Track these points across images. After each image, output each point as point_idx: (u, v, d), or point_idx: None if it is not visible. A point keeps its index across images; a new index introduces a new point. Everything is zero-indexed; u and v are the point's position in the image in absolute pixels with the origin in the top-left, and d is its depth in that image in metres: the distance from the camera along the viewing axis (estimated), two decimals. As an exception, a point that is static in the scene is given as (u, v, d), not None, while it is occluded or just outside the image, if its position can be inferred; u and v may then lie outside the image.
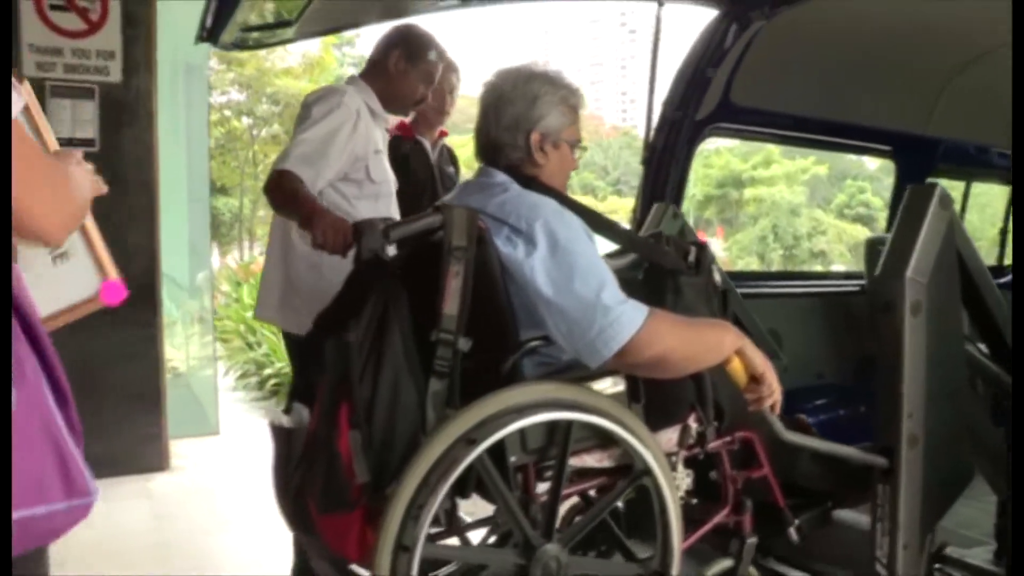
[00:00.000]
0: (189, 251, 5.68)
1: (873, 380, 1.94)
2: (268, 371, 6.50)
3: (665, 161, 2.97)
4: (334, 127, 2.25)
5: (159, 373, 4.18)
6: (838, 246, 26.67)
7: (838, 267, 24.22)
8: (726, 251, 25.81)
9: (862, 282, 3.03)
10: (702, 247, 1.89)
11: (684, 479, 1.69)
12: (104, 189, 1.24)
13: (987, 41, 3.25)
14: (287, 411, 1.60)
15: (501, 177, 1.69)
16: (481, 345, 1.51)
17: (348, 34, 20.38)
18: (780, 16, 2.86)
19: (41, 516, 0.91)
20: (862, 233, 25.58)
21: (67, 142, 3.80)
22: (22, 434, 0.89)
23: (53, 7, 3.82)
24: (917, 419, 1.78)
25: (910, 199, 1.88)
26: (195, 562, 3.09)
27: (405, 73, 2.44)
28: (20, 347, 0.92)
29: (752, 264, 25.37)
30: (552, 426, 1.52)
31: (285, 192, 2.14)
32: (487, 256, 1.53)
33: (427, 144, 3.26)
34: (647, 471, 1.56)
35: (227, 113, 18.93)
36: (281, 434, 1.57)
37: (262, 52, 18.91)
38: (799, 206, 28.42)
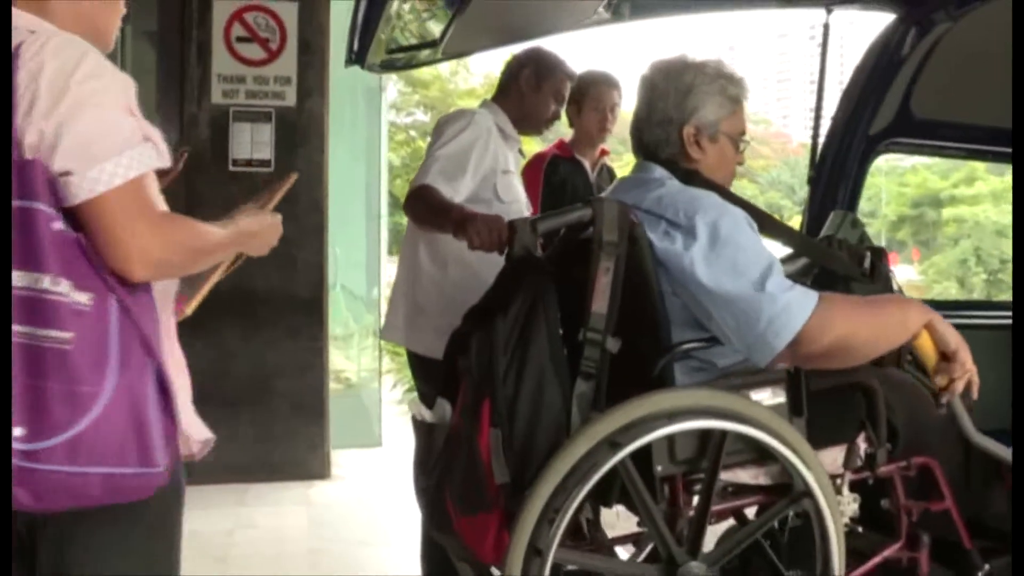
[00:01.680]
0: (366, 267, 5.91)
1: None
2: (433, 386, 6.61)
3: (833, 180, 2.76)
4: (467, 144, 2.28)
5: (324, 384, 4.34)
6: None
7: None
8: (921, 275, 24.12)
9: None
10: (878, 251, 1.78)
11: (850, 504, 1.55)
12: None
13: None
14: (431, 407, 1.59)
15: (659, 172, 1.63)
16: (631, 346, 1.46)
17: (528, 55, 20.77)
18: (967, 17, 2.59)
19: (117, 475, 1.07)
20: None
21: (246, 163, 4.06)
22: (115, 408, 1.06)
23: (239, 39, 4.10)
24: None
25: None
26: (347, 570, 3.16)
27: (535, 91, 2.47)
28: (131, 340, 1.09)
29: (951, 290, 23.53)
30: (705, 436, 1.44)
31: (430, 204, 2.16)
32: (640, 252, 1.47)
33: (587, 164, 3.21)
34: (807, 492, 1.44)
35: (412, 134, 19.72)
36: (423, 429, 1.55)
37: (446, 75, 19.62)
38: (1006, 227, 26.11)
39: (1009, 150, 3.20)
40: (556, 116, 2.55)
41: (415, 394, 5.56)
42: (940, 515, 1.64)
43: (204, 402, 1.41)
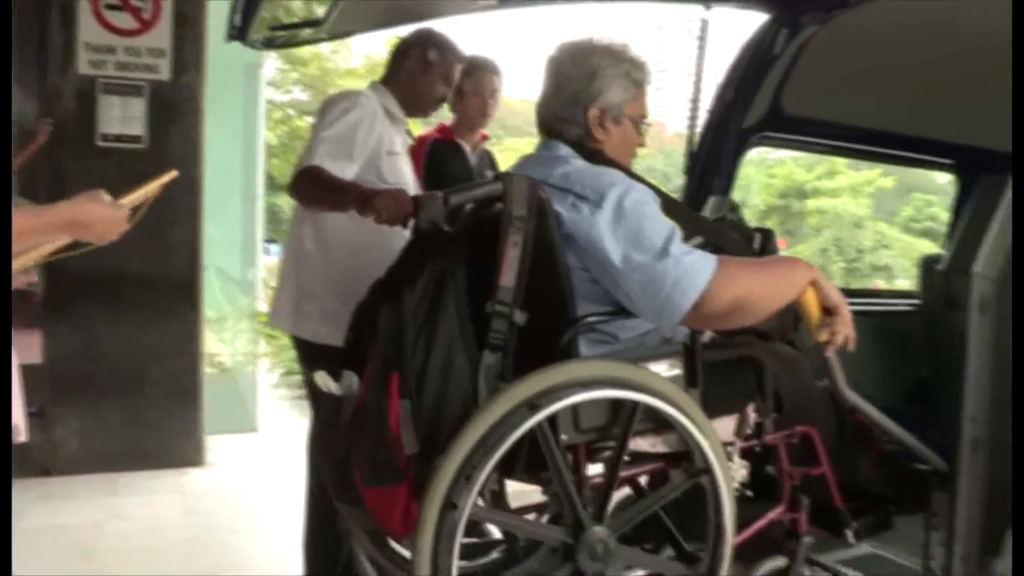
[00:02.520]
0: (241, 248, 5.75)
1: (926, 405, 1.82)
2: (313, 370, 6.50)
3: (709, 170, 2.86)
4: (352, 125, 2.25)
5: (198, 368, 4.21)
6: (903, 260, 25.92)
7: (902, 282, 23.55)
8: (787, 263, 25.21)
9: (918, 302, 2.88)
10: (768, 232, 1.84)
11: (740, 470, 1.62)
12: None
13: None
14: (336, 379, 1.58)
15: (564, 150, 1.66)
16: (537, 319, 1.48)
17: (411, 36, 20.51)
18: (834, 21, 2.73)
19: None
20: (929, 248, 24.86)
21: (115, 138, 3.86)
22: None
23: (109, 7, 3.90)
24: (980, 423, 1.66)
25: (983, 191, 1.77)
26: (223, 560, 3.09)
27: (424, 73, 2.45)
28: None
29: (813, 277, 24.80)
30: (606, 406, 1.48)
31: (324, 183, 2.13)
32: (547, 227, 1.49)
33: (467, 148, 3.22)
34: (704, 460, 1.50)
35: (290, 112, 19.20)
36: (330, 401, 1.54)
37: (325, 53, 19.15)
38: (863, 219, 27.72)
39: (868, 148, 3.43)
40: (444, 99, 2.54)
41: (296, 377, 5.43)
42: (818, 479, 1.74)
43: (72, 389, 1.36)
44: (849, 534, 1.74)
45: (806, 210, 28.80)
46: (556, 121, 1.69)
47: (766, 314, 1.53)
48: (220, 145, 4.67)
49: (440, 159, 3.03)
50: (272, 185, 12.47)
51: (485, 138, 3.30)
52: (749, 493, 1.66)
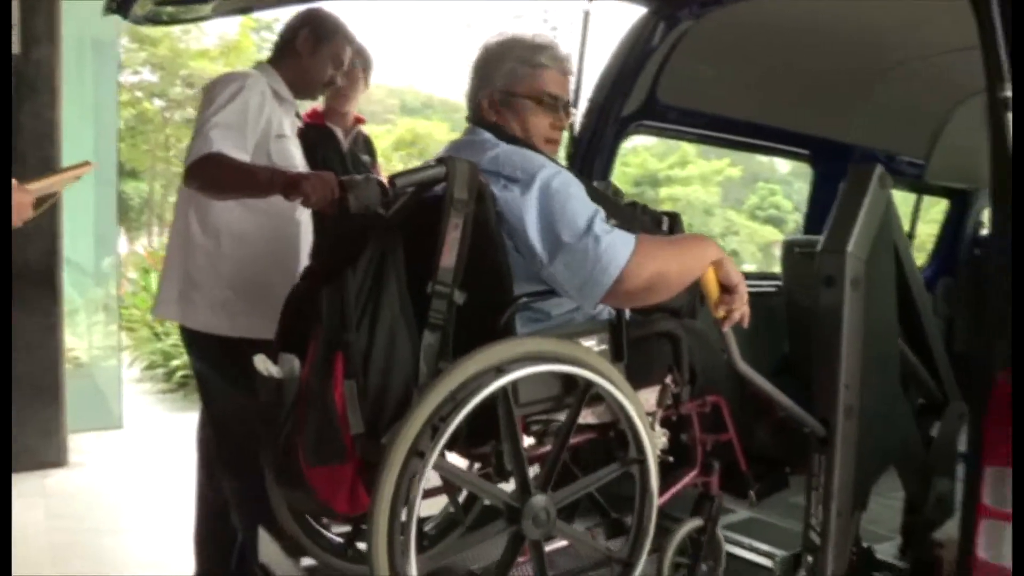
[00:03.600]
0: (95, 236, 5.45)
1: (789, 382, 1.95)
2: (176, 362, 6.29)
3: (590, 155, 2.95)
4: (242, 107, 2.19)
5: (58, 364, 3.98)
6: (750, 246, 27.33)
7: (749, 267, 24.83)
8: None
9: (778, 283, 3.07)
10: (675, 216, 1.91)
11: (661, 438, 1.69)
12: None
13: (903, 53, 3.35)
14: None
15: (487, 135, 1.72)
16: (475, 299, 1.51)
17: (267, 18, 19.82)
18: (707, 17, 2.87)
19: None
20: (772, 234, 26.27)
21: (-40, 116, 3.58)
22: None
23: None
24: (853, 390, 1.80)
25: (851, 178, 1.91)
26: (95, 564, 2.96)
27: (313, 55, 2.39)
28: None
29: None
30: (545, 381, 1.53)
31: (235, 169, 2.08)
32: (486, 210, 1.53)
33: (339, 132, 3.19)
34: (632, 429, 1.57)
35: (139, 94, 18.21)
36: (271, 384, 1.53)
37: (176, 32, 18.28)
38: (713, 206, 29.03)
39: (735, 137, 3.62)
40: (333, 81, 2.47)
41: (160, 370, 5.22)
42: (726, 444, 1.86)
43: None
44: (752, 495, 1.87)
45: (659, 198, 29.85)
46: (472, 109, 1.78)
47: (679, 289, 1.61)
48: (71, 126, 4.40)
49: (311, 144, 2.98)
50: (120, 171, 11.82)
51: (360, 121, 3.27)
52: (671, 459, 1.77)
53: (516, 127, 1.75)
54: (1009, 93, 1.73)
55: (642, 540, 1.60)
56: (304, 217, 2.40)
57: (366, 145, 3.31)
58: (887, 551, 2.08)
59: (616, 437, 1.67)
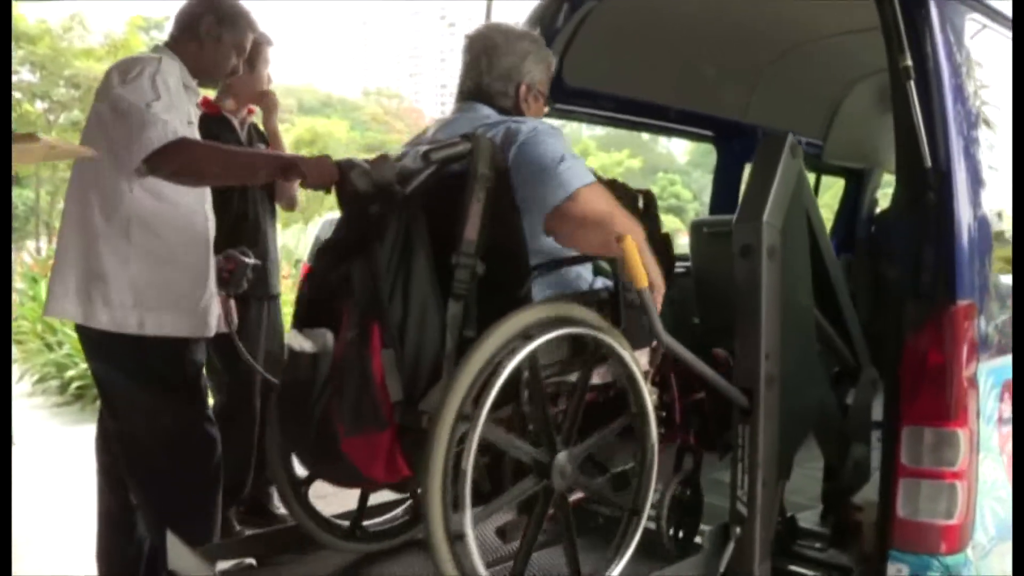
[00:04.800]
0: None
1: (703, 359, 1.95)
2: (71, 373, 5.98)
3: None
4: (174, 90, 2.10)
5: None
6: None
7: (654, 256, 25.24)
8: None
9: (687, 264, 3.10)
10: (650, 194, 2.00)
11: (652, 395, 1.76)
12: None
13: (800, 35, 3.42)
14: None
15: (486, 110, 1.85)
16: (494, 271, 1.60)
17: (157, 16, 19.19)
18: (611, -2, 2.86)
19: None
20: (672, 223, 26.84)
21: None
22: None
23: None
24: (773, 360, 1.80)
25: (763, 148, 1.91)
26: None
27: (217, 41, 2.28)
28: None
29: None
30: (555, 345, 1.59)
31: (221, 154, 2.09)
32: (505, 184, 1.63)
33: (235, 122, 3.08)
34: (635, 388, 1.66)
35: (18, 96, 17.31)
36: (305, 360, 1.58)
37: (58, 30, 17.45)
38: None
39: (641, 119, 3.64)
40: (236, 70, 2.37)
41: (54, 383, 4.92)
42: (699, 403, 1.98)
43: None
44: (719, 452, 1.98)
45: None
46: (487, 92, 1.88)
47: (608, 246, 1.60)
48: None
49: (208, 133, 2.86)
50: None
51: (252, 112, 3.18)
52: (663, 413, 1.87)
53: (531, 116, 1.89)
54: (909, 62, 1.77)
55: (646, 487, 1.70)
56: (210, 210, 2.30)
57: (259, 135, 3.21)
58: (809, 519, 2.10)
59: (614, 397, 1.76)
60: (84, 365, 6.00)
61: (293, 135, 23.63)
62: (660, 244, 1.88)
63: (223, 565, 1.88)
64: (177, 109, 2.09)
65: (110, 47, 17.01)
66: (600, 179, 1.84)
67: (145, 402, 2.15)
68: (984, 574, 1.84)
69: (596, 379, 1.71)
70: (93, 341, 2.18)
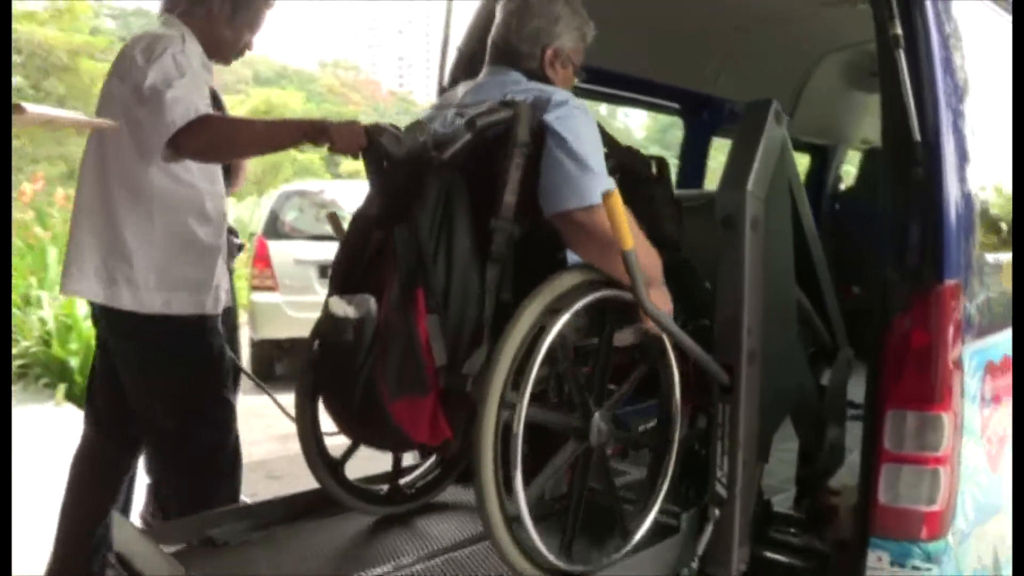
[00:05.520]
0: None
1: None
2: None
3: (459, 114, 2.79)
4: (193, 70, 2.05)
5: None
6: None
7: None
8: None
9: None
10: (663, 161, 1.97)
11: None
12: None
13: (769, 6, 3.35)
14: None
15: (516, 75, 1.80)
16: (530, 235, 1.61)
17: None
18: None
19: None
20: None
21: None
22: None
23: None
24: (755, 335, 1.73)
25: (748, 114, 1.84)
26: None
27: (230, 18, 2.21)
28: None
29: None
30: (583, 310, 1.60)
31: (246, 126, 2.10)
32: (540, 152, 1.61)
33: None
34: (660, 341, 1.71)
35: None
36: (348, 325, 1.58)
37: (-4, -7, 16.75)
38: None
39: (608, 90, 3.55)
40: (247, 48, 2.29)
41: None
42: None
43: None
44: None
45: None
46: (515, 53, 1.82)
47: (608, 263, 1.61)
48: None
49: None
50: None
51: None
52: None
53: (558, 83, 1.84)
54: (899, 30, 1.69)
55: (674, 424, 1.76)
56: (222, 188, 2.28)
57: (216, 103, 3.05)
58: (783, 503, 2.05)
59: (640, 356, 1.76)
60: (27, 343, 5.78)
61: (248, 105, 23.11)
62: (673, 208, 1.92)
63: (171, 548, 1.78)
64: (199, 89, 2.04)
65: (54, 12, 16.40)
66: (617, 145, 1.85)
67: (173, 379, 2.15)
68: (962, 559, 1.80)
69: (620, 343, 1.71)
70: (116, 322, 2.16)
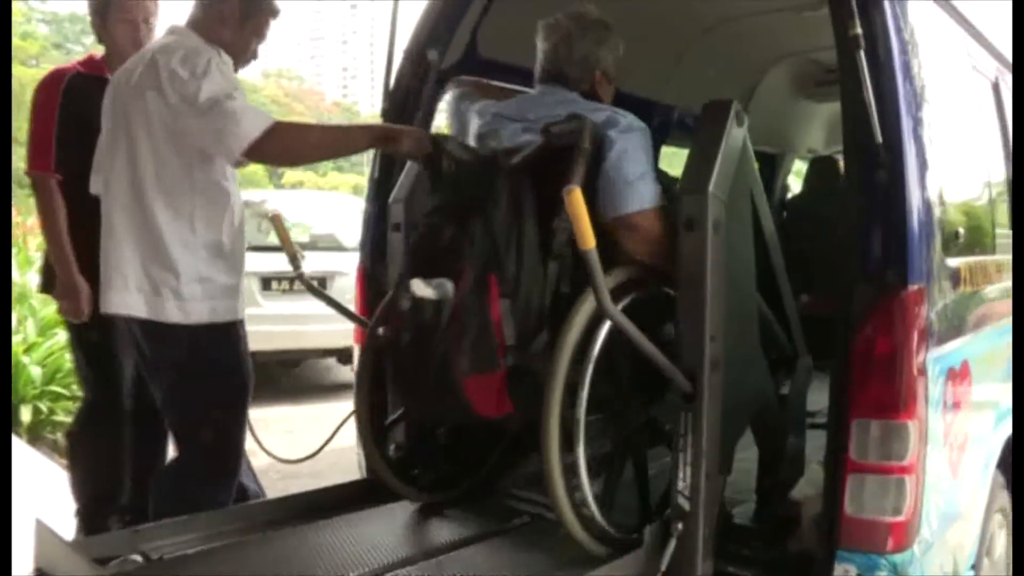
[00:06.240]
0: None
1: None
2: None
3: (408, 111, 2.70)
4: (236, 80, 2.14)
5: None
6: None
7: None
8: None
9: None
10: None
11: None
12: None
13: (719, 14, 3.34)
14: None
15: (573, 94, 1.97)
16: None
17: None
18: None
19: None
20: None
21: None
22: None
23: None
24: (719, 342, 1.68)
25: (707, 114, 1.79)
26: None
27: (240, 29, 2.21)
28: None
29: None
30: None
31: (320, 131, 2.24)
32: (598, 160, 1.76)
33: None
34: None
35: None
36: (428, 306, 1.72)
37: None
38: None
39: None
40: (255, 55, 2.30)
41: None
42: None
43: None
44: None
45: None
46: (567, 74, 2.00)
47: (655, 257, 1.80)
48: None
49: (83, 96, 2.56)
50: None
51: None
52: None
53: (604, 100, 2.03)
54: (860, 30, 1.66)
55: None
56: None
57: None
58: (743, 514, 2.01)
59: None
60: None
61: None
62: None
63: (96, 553, 1.73)
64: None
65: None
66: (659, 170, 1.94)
67: (214, 384, 2.19)
68: (928, 569, 1.77)
69: None
70: (154, 333, 2.15)
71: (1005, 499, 2.38)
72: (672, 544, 1.70)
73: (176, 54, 2.04)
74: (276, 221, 1.96)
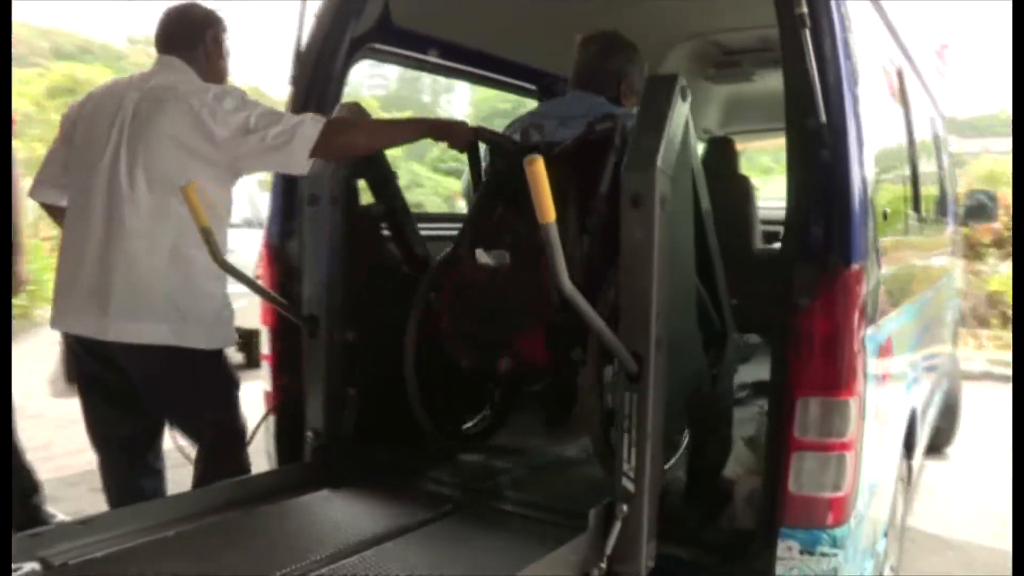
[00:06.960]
0: None
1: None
2: None
3: (319, 80, 2.55)
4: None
5: None
6: (434, 198, 27.81)
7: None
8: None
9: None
10: None
11: None
12: None
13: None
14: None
15: (602, 100, 2.26)
16: (615, 216, 1.73)
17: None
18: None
19: None
20: (455, 185, 26.90)
21: None
22: None
23: None
24: (663, 321, 1.63)
25: (652, 87, 1.73)
26: None
27: (220, 57, 2.33)
28: None
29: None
30: None
31: (374, 125, 2.28)
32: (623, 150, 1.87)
33: None
34: None
35: None
36: (488, 270, 2.04)
37: None
38: (397, 159, 29.06)
39: (466, 67, 3.41)
40: (224, 79, 2.36)
41: None
42: None
43: None
44: None
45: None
46: (598, 82, 2.30)
47: None
48: None
49: None
50: None
51: None
52: None
53: (627, 107, 2.28)
54: (805, 9, 1.66)
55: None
56: None
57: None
58: (675, 492, 1.99)
59: None
60: None
61: (49, 80, 20.84)
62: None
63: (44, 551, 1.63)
64: None
65: None
66: None
67: (219, 397, 2.25)
68: (860, 540, 1.81)
69: None
70: (161, 359, 2.12)
71: (904, 468, 2.49)
72: (617, 526, 1.66)
73: (207, 94, 2.10)
74: (188, 192, 1.77)
